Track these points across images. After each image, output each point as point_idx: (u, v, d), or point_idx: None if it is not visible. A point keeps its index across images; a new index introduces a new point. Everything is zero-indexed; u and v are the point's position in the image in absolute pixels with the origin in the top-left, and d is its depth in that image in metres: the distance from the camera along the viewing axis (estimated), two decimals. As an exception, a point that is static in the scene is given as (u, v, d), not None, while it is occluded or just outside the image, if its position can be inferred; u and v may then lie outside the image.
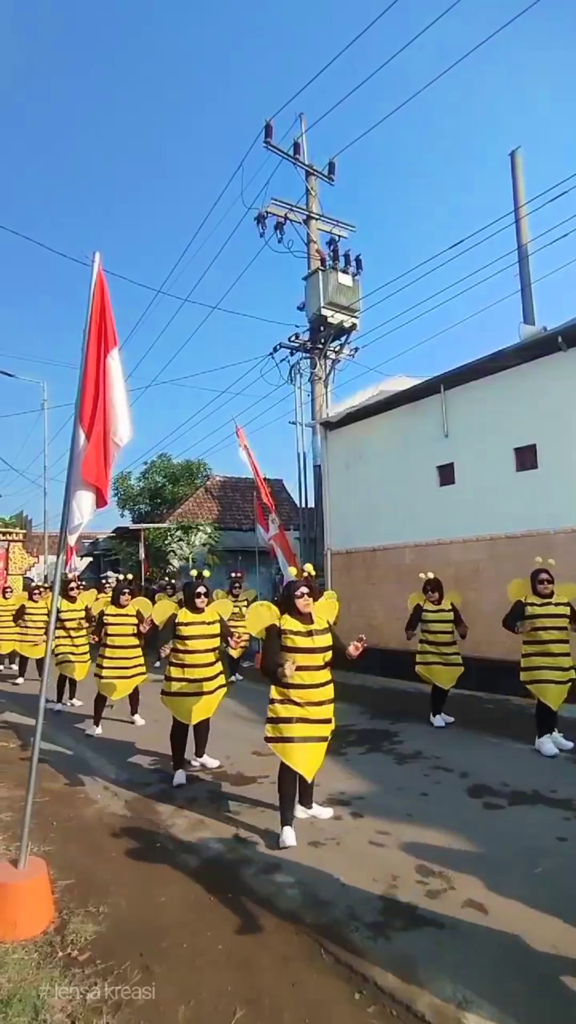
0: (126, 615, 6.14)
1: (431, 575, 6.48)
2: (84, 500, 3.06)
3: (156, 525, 17.60)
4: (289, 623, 3.61)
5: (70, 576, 8.55)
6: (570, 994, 2.20)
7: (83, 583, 8.37)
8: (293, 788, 3.68)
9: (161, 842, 3.63)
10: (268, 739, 3.60)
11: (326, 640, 3.65)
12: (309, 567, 4.06)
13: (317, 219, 12.02)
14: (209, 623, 4.72)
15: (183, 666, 4.61)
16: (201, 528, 16.86)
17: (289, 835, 3.52)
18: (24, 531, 21.97)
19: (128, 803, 4.31)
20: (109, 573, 18.59)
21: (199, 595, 4.72)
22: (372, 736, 5.95)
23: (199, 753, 4.98)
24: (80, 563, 19.88)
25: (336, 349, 11.91)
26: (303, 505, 12.25)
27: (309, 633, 3.60)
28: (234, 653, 8.65)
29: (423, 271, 20.23)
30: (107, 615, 6.16)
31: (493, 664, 7.93)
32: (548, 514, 7.37)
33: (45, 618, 8.77)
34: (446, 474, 8.82)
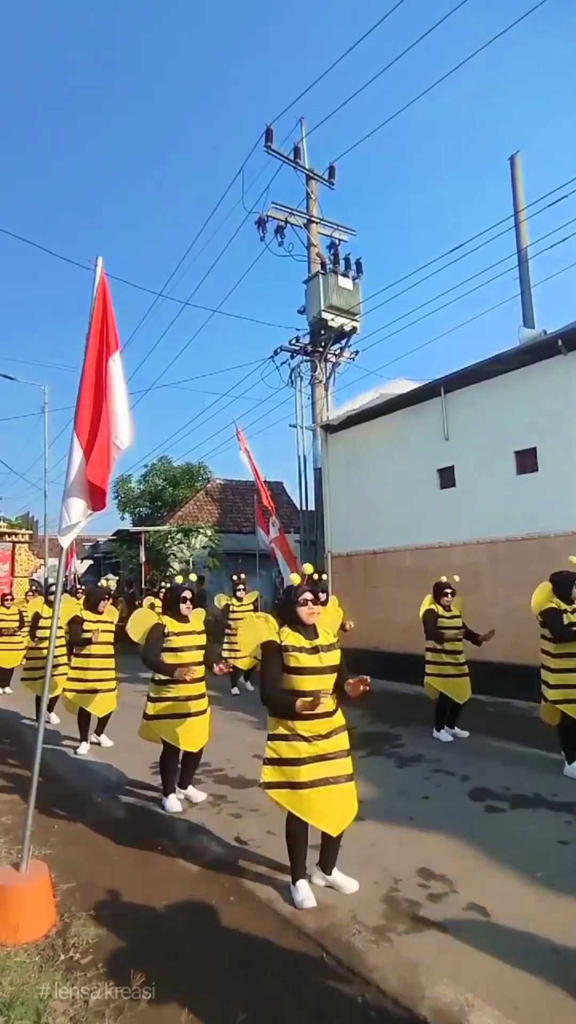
0: (105, 621, 5.76)
1: (452, 578, 6.12)
2: (75, 503, 3.07)
3: (156, 528, 17.62)
4: (291, 638, 2.94)
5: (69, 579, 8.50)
6: (573, 998, 2.19)
7: (82, 587, 8.21)
8: (305, 845, 2.97)
9: (162, 846, 3.63)
10: (267, 786, 2.89)
11: (334, 658, 2.97)
12: (308, 567, 3.40)
13: (317, 223, 12.06)
14: (198, 632, 4.27)
15: (175, 683, 4.03)
16: (201, 531, 16.87)
17: (305, 892, 2.89)
18: (30, 532, 21.33)
19: (130, 807, 4.31)
20: (109, 575, 18.63)
21: (184, 600, 4.18)
22: (373, 739, 5.95)
23: (184, 785, 4.34)
24: (80, 566, 19.81)
25: (336, 352, 11.94)
26: (303, 508, 12.26)
27: (315, 650, 2.93)
28: (242, 665, 8.27)
29: (423, 275, 20.32)
30: (86, 621, 5.65)
31: (493, 667, 7.93)
32: (548, 517, 7.38)
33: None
34: (446, 477, 8.83)
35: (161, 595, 10.20)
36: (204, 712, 4.20)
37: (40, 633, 6.75)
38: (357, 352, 12.20)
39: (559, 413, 7.35)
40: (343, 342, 11.92)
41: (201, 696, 4.19)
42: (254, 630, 3.04)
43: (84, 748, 5.70)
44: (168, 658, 4.03)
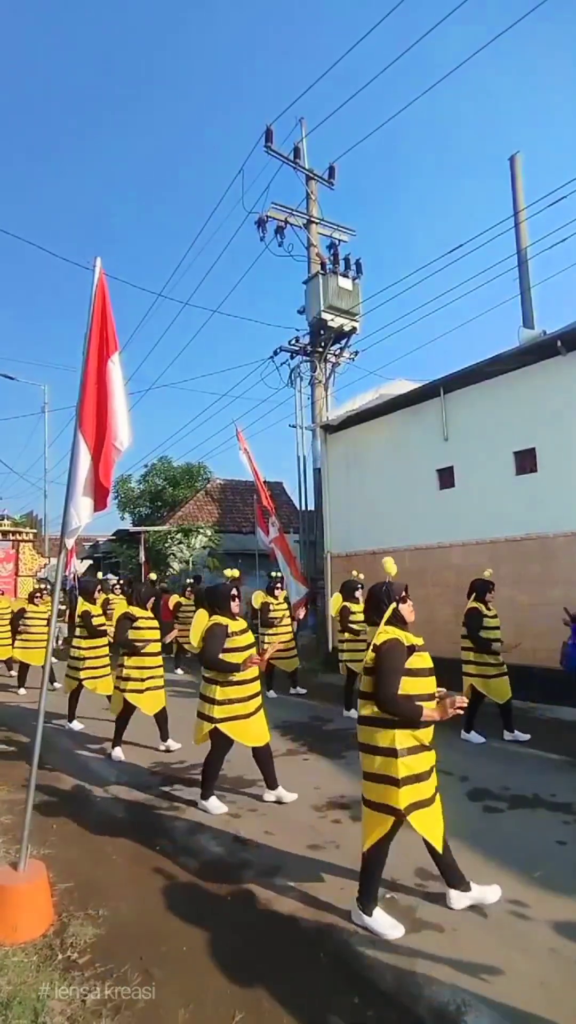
0: (150, 618, 5.57)
1: (490, 573, 5.97)
2: (83, 504, 3.08)
3: (156, 528, 17.63)
4: (408, 639, 2.79)
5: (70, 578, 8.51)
6: (570, 998, 2.20)
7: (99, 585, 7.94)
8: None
9: (161, 845, 3.64)
10: (409, 809, 2.64)
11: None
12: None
13: (317, 223, 12.06)
14: (245, 630, 4.21)
15: (240, 683, 4.03)
16: (201, 531, 16.88)
17: (386, 920, 2.68)
18: (35, 531, 21.03)
19: (128, 806, 4.31)
20: (109, 576, 18.62)
21: (234, 598, 4.15)
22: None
23: (273, 785, 4.26)
24: (80, 566, 19.74)
25: (336, 352, 11.95)
26: (303, 508, 12.27)
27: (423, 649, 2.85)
28: (287, 667, 8.12)
29: (423, 275, 20.33)
30: (136, 618, 5.44)
31: (493, 667, 7.93)
32: (548, 517, 7.38)
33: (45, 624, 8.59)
34: (446, 477, 8.83)
35: (187, 593, 10.31)
36: (259, 709, 4.19)
37: (80, 631, 6.54)
38: (357, 352, 12.21)
39: (558, 414, 7.35)
40: (343, 342, 11.93)
41: (256, 695, 4.17)
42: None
43: (118, 753, 5.47)
44: (230, 658, 4.00)
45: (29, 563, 18.82)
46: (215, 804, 4.11)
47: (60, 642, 14.12)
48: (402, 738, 2.62)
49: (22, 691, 8.74)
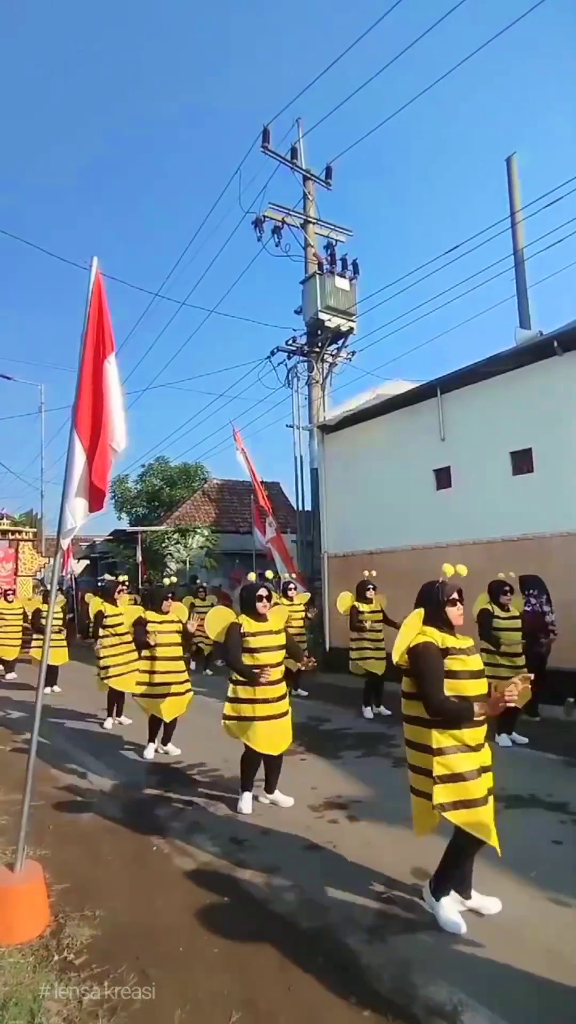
0: (171, 621, 5.38)
1: (508, 574, 5.77)
2: (78, 504, 3.07)
3: (153, 528, 17.62)
4: (450, 639, 2.75)
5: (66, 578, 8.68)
6: (565, 998, 2.20)
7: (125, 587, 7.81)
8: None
9: (157, 845, 3.63)
10: (444, 808, 2.59)
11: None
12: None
13: (314, 223, 12.07)
14: (276, 632, 4.02)
15: (256, 685, 3.91)
16: (198, 531, 16.88)
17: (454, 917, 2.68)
18: (34, 530, 20.30)
19: (125, 807, 4.31)
20: (106, 576, 18.58)
21: (261, 599, 4.00)
22: (369, 739, 5.96)
23: (270, 789, 4.21)
24: (77, 566, 19.65)
25: (333, 353, 11.95)
26: (300, 508, 12.27)
27: (472, 651, 2.79)
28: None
29: (420, 275, 20.36)
30: (150, 621, 5.28)
31: (490, 667, 7.95)
32: (544, 518, 7.40)
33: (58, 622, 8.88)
34: (443, 478, 8.85)
35: (200, 593, 10.61)
36: (285, 714, 4.01)
37: (110, 631, 6.55)
38: (354, 352, 12.23)
39: (555, 414, 7.37)
40: (340, 342, 11.93)
41: (282, 697, 3.99)
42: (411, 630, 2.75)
43: (150, 751, 5.47)
44: (245, 659, 3.90)
45: (29, 563, 18.35)
46: (245, 802, 4.08)
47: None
48: (439, 738, 2.59)
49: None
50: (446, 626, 2.74)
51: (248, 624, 3.95)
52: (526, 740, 5.54)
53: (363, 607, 6.80)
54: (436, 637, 2.67)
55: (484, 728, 2.65)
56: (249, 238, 11.88)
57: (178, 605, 5.62)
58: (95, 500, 3.11)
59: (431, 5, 9.39)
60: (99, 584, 13.07)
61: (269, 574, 7.17)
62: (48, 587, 9.77)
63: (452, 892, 2.75)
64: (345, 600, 6.91)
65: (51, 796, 4.50)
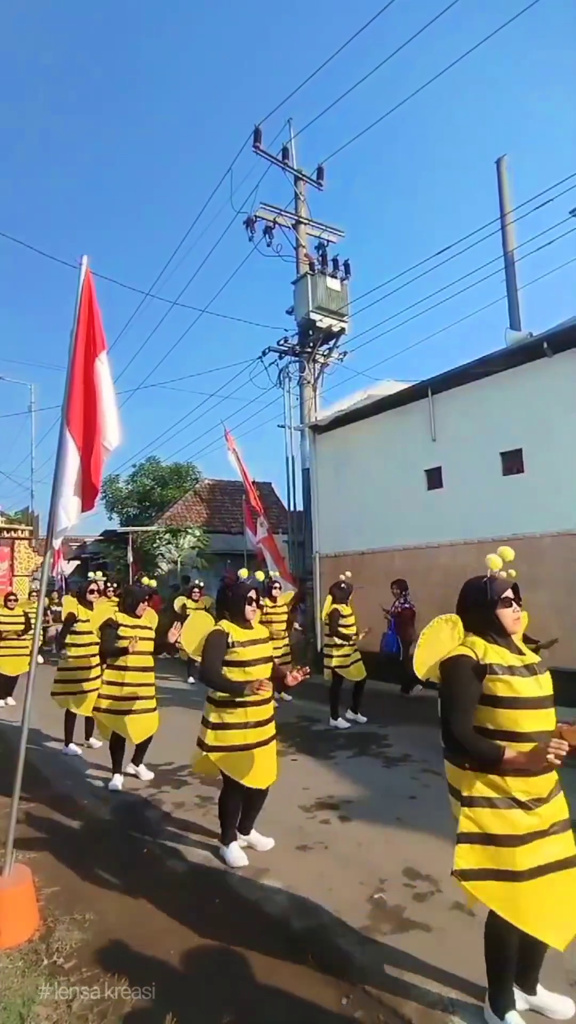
0: (143, 627, 4.71)
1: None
2: (71, 503, 3.05)
3: (145, 528, 17.55)
4: (493, 654, 2.15)
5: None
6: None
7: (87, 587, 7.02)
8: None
9: (147, 848, 3.61)
10: (464, 876, 1.98)
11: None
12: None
13: (306, 224, 12.07)
14: (264, 641, 3.44)
15: (241, 705, 3.27)
16: (190, 531, 16.83)
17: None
18: (31, 528, 19.22)
19: (114, 809, 4.28)
20: (97, 574, 18.45)
21: (250, 602, 3.41)
22: (360, 739, 5.96)
23: (246, 829, 3.57)
24: (68, 567, 19.50)
25: (325, 353, 11.96)
26: (292, 508, 12.27)
27: (530, 670, 2.21)
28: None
29: (411, 276, 20.44)
30: (121, 625, 4.64)
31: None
32: (534, 518, 7.43)
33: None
34: (434, 478, 8.87)
35: (193, 595, 9.61)
36: (273, 738, 3.41)
37: (74, 639, 5.65)
38: (345, 353, 12.23)
39: (545, 415, 7.41)
40: (331, 343, 11.94)
41: (269, 720, 3.38)
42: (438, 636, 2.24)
43: (117, 781, 4.65)
44: (234, 675, 3.24)
45: (25, 562, 17.72)
46: (235, 854, 3.35)
47: (56, 648, 13.64)
48: (473, 782, 2.01)
49: (12, 701, 8.20)
50: (497, 634, 2.14)
51: (236, 632, 3.32)
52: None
53: (344, 610, 6.57)
54: (479, 649, 2.07)
55: (547, 778, 1.99)
56: (241, 238, 11.90)
57: (151, 613, 4.93)
58: (87, 499, 3.09)
59: (423, 7, 9.43)
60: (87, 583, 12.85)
61: (260, 575, 7.08)
62: (50, 589, 9.18)
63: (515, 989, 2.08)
64: (327, 604, 6.66)
65: (40, 799, 4.46)
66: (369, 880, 3.12)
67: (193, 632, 3.48)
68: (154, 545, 16.49)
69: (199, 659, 3.38)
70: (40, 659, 7.40)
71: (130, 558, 16.64)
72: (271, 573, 8.87)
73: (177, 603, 9.72)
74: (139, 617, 4.73)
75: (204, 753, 3.34)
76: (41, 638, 7.61)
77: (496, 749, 1.94)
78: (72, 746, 5.70)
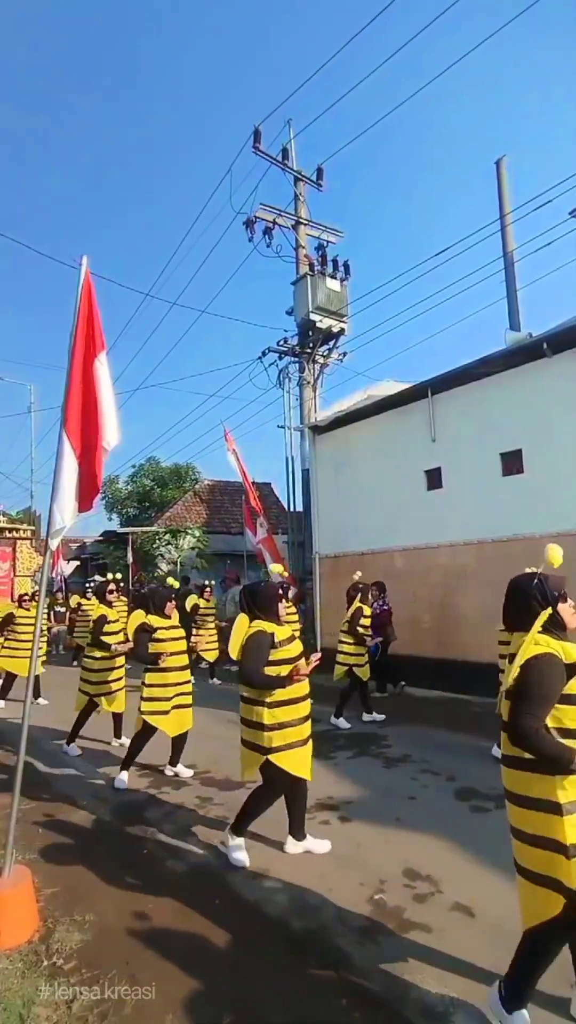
0: (175, 626, 4.85)
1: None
2: (68, 504, 3.05)
3: (144, 529, 17.55)
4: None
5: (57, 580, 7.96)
6: (556, 998, 2.21)
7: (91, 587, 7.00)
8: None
9: (148, 848, 3.61)
10: None
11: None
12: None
13: (306, 224, 12.09)
14: (293, 639, 3.45)
15: (291, 702, 3.25)
16: (190, 532, 16.84)
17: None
18: (33, 528, 18.86)
19: (114, 809, 4.27)
20: (96, 577, 18.45)
21: (281, 600, 3.45)
22: (360, 740, 5.96)
23: (300, 832, 3.56)
24: (67, 567, 19.46)
25: (324, 353, 11.97)
26: (291, 509, 12.27)
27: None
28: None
29: (410, 277, 20.44)
30: (157, 628, 4.70)
31: (479, 666, 7.97)
32: (534, 518, 7.43)
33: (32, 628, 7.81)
34: (433, 478, 8.87)
35: (205, 594, 9.47)
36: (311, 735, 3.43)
37: (106, 640, 5.62)
38: (345, 354, 12.25)
39: (545, 415, 7.42)
40: (331, 343, 11.95)
41: (311, 716, 3.43)
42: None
43: (123, 777, 4.72)
44: (280, 672, 3.23)
45: (27, 562, 17.24)
46: (241, 855, 3.36)
47: (61, 648, 13.68)
48: (571, 787, 1.89)
49: (1, 703, 8.00)
50: (560, 631, 2.09)
51: (278, 632, 3.31)
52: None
53: (367, 611, 6.59)
54: (556, 647, 2.00)
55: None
56: (240, 239, 11.91)
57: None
58: (86, 499, 3.09)
59: (423, 9, 9.44)
60: (87, 585, 12.80)
61: (278, 568, 7.00)
62: (50, 589, 9.00)
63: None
64: (353, 604, 6.61)
65: (40, 799, 4.46)
66: (369, 881, 3.12)
67: (238, 635, 3.37)
68: (154, 546, 16.50)
69: (245, 656, 3.27)
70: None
71: (130, 558, 16.65)
72: (274, 571, 8.82)
73: (189, 602, 9.48)
74: (169, 617, 4.82)
75: (264, 757, 3.21)
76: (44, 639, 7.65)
77: (567, 751, 1.89)
78: (73, 746, 5.73)
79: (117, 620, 5.78)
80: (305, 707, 3.31)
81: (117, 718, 5.90)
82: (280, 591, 3.42)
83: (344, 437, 10.59)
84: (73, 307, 3.16)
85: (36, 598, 8.17)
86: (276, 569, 3.31)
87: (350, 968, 2.42)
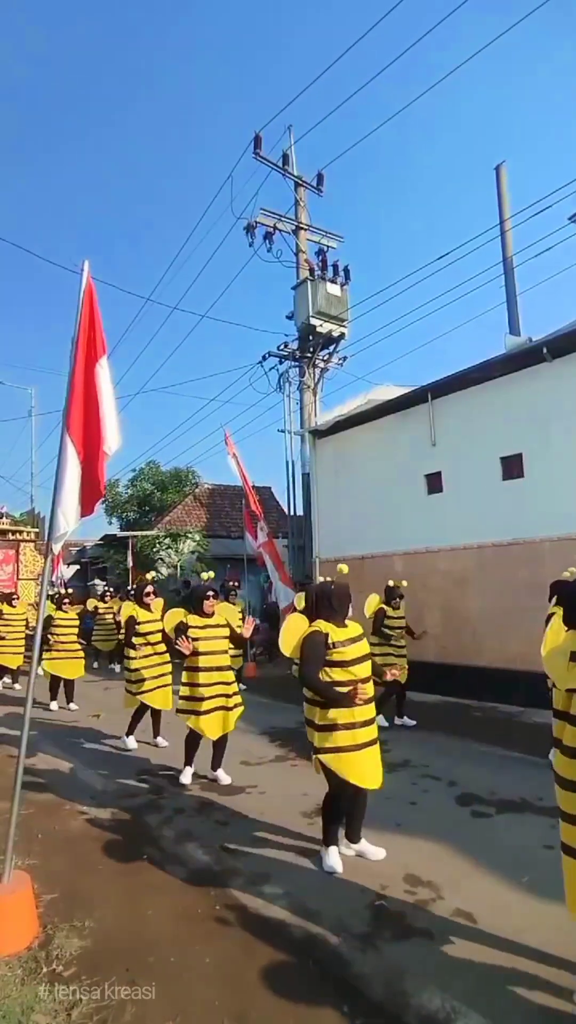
0: (215, 625, 4.74)
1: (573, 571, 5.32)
2: (71, 508, 3.05)
3: (144, 532, 17.55)
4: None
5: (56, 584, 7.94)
6: (559, 1003, 2.20)
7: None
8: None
9: (148, 854, 3.59)
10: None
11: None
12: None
13: (306, 229, 12.14)
14: (361, 638, 3.37)
15: (352, 704, 3.20)
16: (190, 535, 16.84)
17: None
18: (37, 530, 18.47)
19: (114, 814, 4.26)
20: (96, 581, 18.45)
21: (348, 599, 3.40)
22: (360, 745, 5.93)
23: (355, 837, 3.55)
24: (67, 571, 19.43)
25: (325, 358, 12.01)
26: (292, 513, 12.28)
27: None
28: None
29: (410, 282, 20.52)
30: (191, 627, 4.66)
31: (480, 672, 7.97)
32: (534, 522, 7.45)
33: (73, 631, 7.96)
34: (434, 482, 8.89)
35: (231, 597, 8.80)
36: (376, 740, 3.30)
37: (138, 640, 5.74)
38: (345, 358, 12.31)
39: (544, 419, 7.43)
40: (331, 347, 12.00)
41: (373, 720, 3.30)
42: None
43: (187, 775, 4.81)
44: (337, 674, 3.17)
45: (31, 565, 16.84)
46: (333, 859, 3.29)
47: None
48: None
49: (54, 705, 7.92)
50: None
51: (334, 632, 3.23)
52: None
53: (391, 612, 6.61)
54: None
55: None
56: (241, 243, 12.01)
57: (225, 606, 5.06)
58: (89, 504, 3.09)
59: (425, 15, 9.50)
60: (87, 587, 12.78)
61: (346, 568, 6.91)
62: (60, 591, 8.88)
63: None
64: (373, 602, 6.62)
65: (40, 804, 4.44)
66: (370, 886, 3.11)
67: (290, 634, 3.36)
68: (154, 549, 16.49)
69: (299, 656, 3.29)
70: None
71: (130, 562, 16.63)
72: (342, 571, 8.75)
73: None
74: (210, 615, 4.71)
75: (314, 756, 3.26)
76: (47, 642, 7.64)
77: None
78: (131, 739, 5.92)
79: (151, 621, 5.79)
80: (362, 712, 3.18)
81: (156, 716, 5.97)
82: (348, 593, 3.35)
83: (344, 441, 10.61)
84: (75, 312, 3.16)
85: (63, 603, 8.07)
86: (343, 569, 3.30)
87: (351, 974, 2.41)
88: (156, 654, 5.75)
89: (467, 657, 8.06)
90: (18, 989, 2.34)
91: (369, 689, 3.17)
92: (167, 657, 5.75)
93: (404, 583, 7.05)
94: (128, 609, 5.97)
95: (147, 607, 5.87)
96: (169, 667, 5.81)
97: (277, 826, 3.92)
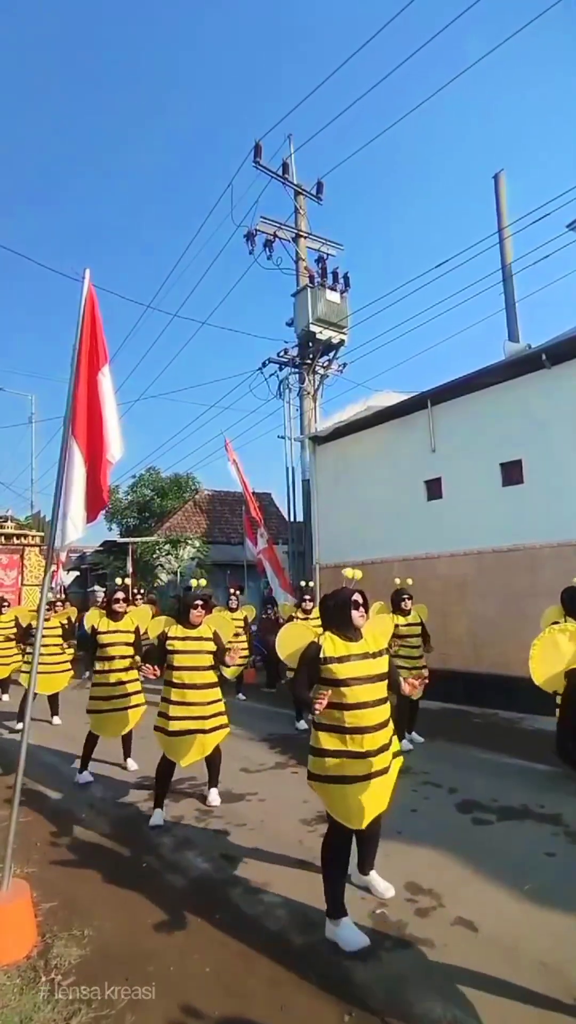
0: (198, 638, 4.17)
1: None
2: (78, 515, 3.06)
3: (144, 539, 17.54)
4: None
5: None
6: (560, 1011, 2.19)
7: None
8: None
9: (147, 862, 3.58)
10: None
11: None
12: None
13: (305, 237, 12.21)
14: (375, 655, 2.87)
15: (344, 731, 2.72)
16: (189, 542, 16.83)
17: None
18: (42, 534, 17.78)
19: (114, 823, 4.24)
20: (96, 587, 18.42)
21: (357, 606, 2.88)
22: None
23: (366, 870, 3.23)
24: (67, 577, 19.38)
25: (324, 364, 12.05)
26: (292, 519, 12.29)
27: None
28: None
29: (410, 289, 20.67)
30: (171, 638, 4.13)
31: (480, 678, 7.96)
32: (534, 528, 7.45)
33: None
34: (433, 488, 8.90)
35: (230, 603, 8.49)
36: (382, 772, 2.75)
37: (99, 654, 5.11)
38: (345, 364, 12.34)
39: (544, 426, 7.46)
40: (331, 354, 12.04)
41: (381, 750, 2.74)
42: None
43: (157, 817, 4.11)
44: (332, 696, 2.71)
45: (35, 570, 16.32)
46: (347, 932, 2.67)
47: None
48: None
49: (56, 720, 7.40)
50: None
51: (333, 646, 2.78)
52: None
53: (399, 620, 5.92)
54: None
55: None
56: (241, 251, 12.06)
57: (218, 617, 4.53)
58: (93, 511, 3.11)
59: (423, 24, 9.59)
60: (87, 593, 12.70)
61: (351, 573, 6.61)
62: (60, 597, 8.55)
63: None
64: (380, 611, 6.01)
65: (38, 812, 4.43)
66: (370, 895, 3.09)
67: (290, 640, 3.11)
68: (154, 556, 16.49)
69: (294, 667, 3.01)
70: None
71: (129, 569, 16.62)
72: (348, 575, 8.59)
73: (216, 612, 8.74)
74: (196, 626, 4.16)
75: (312, 783, 2.84)
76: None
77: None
78: (85, 773, 5.16)
79: (115, 632, 5.16)
80: (364, 740, 2.69)
81: (126, 737, 5.38)
82: (359, 596, 2.88)
83: (344, 447, 10.63)
84: (77, 320, 3.19)
85: (57, 607, 7.54)
86: (349, 574, 2.85)
87: (352, 984, 2.40)
88: (115, 671, 5.00)
89: (467, 663, 8.05)
90: (17, 998, 2.32)
91: (375, 715, 2.71)
92: (134, 675, 5.05)
93: (410, 581, 6.51)
94: (91, 617, 5.19)
95: (116, 616, 5.13)
96: (134, 686, 5.08)
97: (277, 834, 3.90)
